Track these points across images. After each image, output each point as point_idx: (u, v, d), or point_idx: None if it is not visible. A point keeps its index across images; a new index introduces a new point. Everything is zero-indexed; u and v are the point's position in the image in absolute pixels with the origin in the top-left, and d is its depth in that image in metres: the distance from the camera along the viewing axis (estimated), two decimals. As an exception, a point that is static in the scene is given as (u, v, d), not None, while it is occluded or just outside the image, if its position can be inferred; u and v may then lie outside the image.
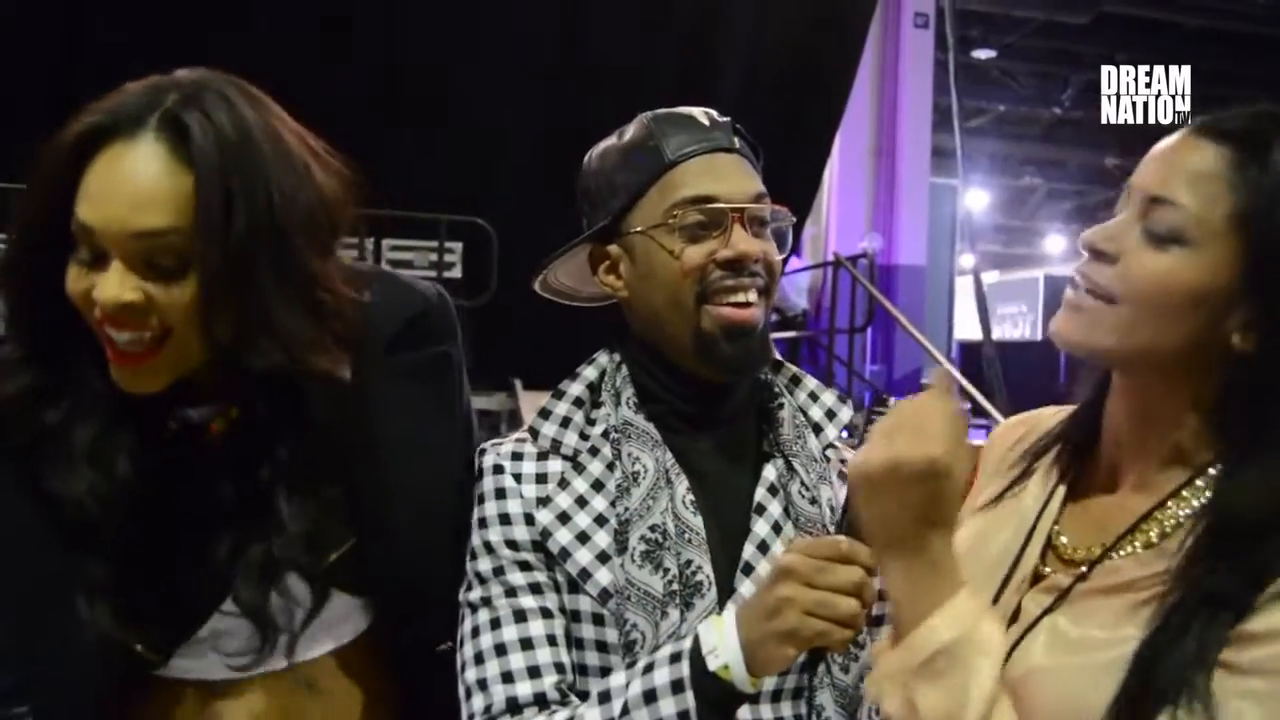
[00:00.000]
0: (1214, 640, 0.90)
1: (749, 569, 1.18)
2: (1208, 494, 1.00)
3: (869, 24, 8.85)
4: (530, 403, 5.99)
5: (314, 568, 1.20)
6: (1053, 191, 20.64)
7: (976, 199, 17.81)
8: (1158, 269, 0.99)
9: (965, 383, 7.36)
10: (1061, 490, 1.13)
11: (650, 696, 1.05)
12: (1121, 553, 1.03)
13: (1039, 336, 18.55)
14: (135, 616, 1.14)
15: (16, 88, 5.97)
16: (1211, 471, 1.01)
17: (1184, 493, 1.02)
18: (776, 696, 1.17)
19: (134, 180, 1.07)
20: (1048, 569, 1.09)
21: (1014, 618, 1.06)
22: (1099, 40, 12.67)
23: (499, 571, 1.21)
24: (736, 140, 1.25)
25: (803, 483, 1.21)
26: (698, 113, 1.27)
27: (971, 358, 11.82)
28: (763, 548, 1.19)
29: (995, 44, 12.99)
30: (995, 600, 1.08)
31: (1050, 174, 19.06)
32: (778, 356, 1.37)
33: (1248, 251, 0.97)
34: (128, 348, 1.09)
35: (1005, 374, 9.76)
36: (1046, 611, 1.04)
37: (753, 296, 1.20)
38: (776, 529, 1.20)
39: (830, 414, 1.29)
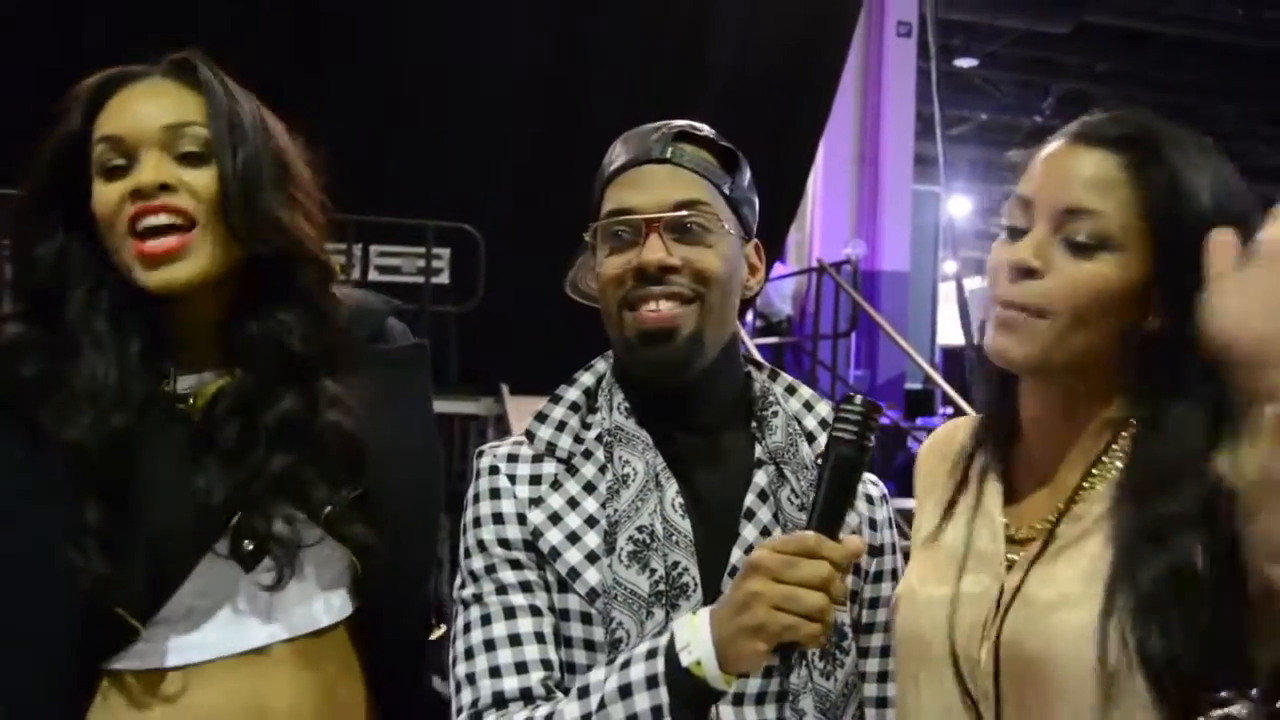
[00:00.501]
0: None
1: (735, 572, 1.18)
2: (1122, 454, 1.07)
3: (852, 33, 8.86)
4: (517, 407, 5.98)
5: (308, 511, 1.25)
6: (1034, 198, 20.74)
7: (959, 205, 17.85)
8: (1087, 276, 1.04)
9: (948, 387, 7.38)
10: (996, 485, 1.16)
11: (625, 691, 1.05)
12: (1065, 521, 1.08)
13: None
14: (125, 564, 1.16)
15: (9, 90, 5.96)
16: (1125, 435, 1.08)
17: (1105, 457, 1.08)
18: (760, 699, 1.18)
19: (155, 92, 1.24)
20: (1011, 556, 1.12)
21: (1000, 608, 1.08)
22: (1080, 50, 12.74)
23: (490, 569, 1.22)
24: (671, 149, 1.23)
25: (793, 489, 1.21)
26: (655, 126, 1.26)
27: (954, 363, 11.86)
28: (749, 552, 1.17)
29: (977, 53, 13.04)
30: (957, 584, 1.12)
31: (1031, 181, 19.15)
32: (771, 365, 1.37)
33: (1156, 244, 1.03)
34: (158, 242, 1.18)
35: (987, 379, 9.78)
36: (1016, 591, 1.07)
37: (664, 305, 1.19)
38: (765, 534, 1.20)
39: (824, 423, 1.28)
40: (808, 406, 1.31)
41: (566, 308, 1.42)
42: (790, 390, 1.33)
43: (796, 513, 1.20)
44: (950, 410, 10.36)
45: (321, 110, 1.41)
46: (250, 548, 1.23)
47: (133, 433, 1.18)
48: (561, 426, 1.28)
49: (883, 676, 1.27)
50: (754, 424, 1.27)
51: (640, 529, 1.18)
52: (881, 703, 1.26)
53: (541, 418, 1.29)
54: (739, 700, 1.17)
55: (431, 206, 6.27)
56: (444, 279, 6.52)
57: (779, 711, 1.18)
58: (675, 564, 1.17)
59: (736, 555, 1.19)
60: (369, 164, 5.74)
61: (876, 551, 1.27)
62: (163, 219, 1.19)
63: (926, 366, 8.08)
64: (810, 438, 1.28)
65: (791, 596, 0.98)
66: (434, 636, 1.39)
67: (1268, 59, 12.53)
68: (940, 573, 1.14)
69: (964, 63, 13.17)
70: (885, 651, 1.27)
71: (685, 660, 1.03)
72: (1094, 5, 11.14)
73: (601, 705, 1.07)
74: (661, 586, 1.16)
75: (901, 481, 8.35)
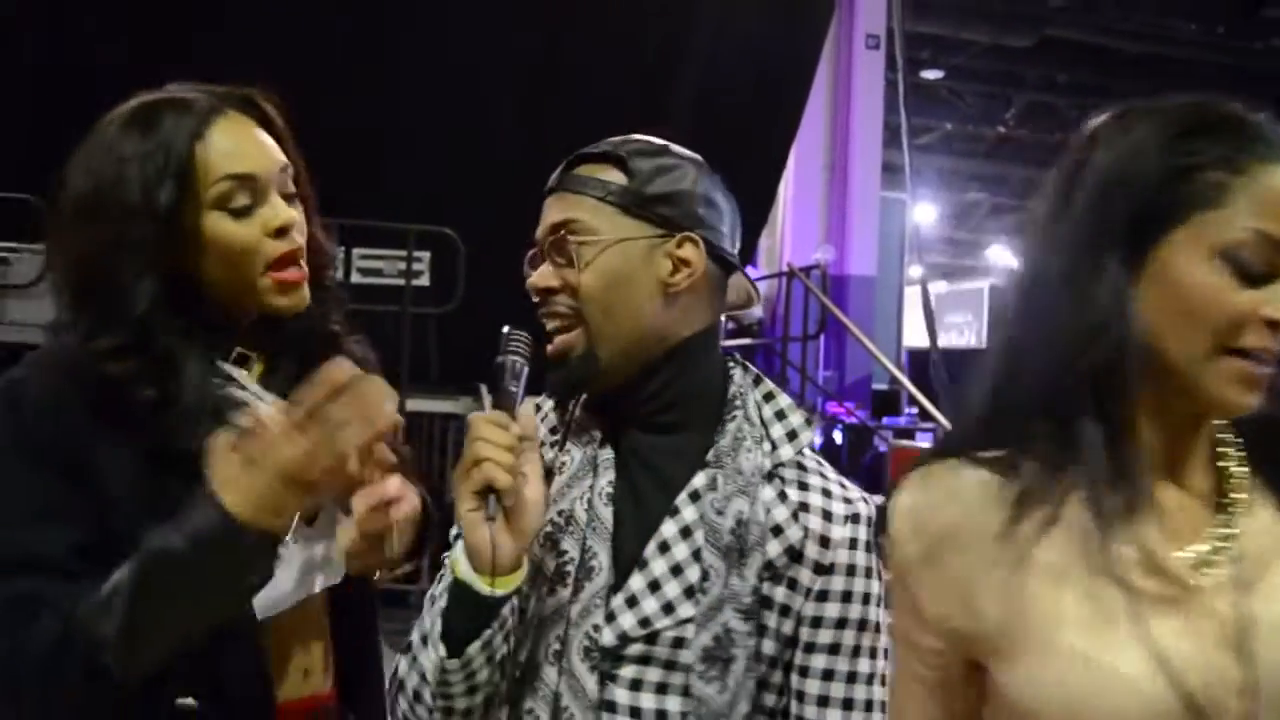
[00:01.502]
0: None
1: (644, 563, 1.19)
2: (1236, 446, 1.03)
3: (823, 45, 8.91)
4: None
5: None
6: (996, 206, 20.84)
7: (925, 213, 17.94)
8: None
9: (913, 388, 7.42)
10: (1142, 521, 0.99)
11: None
12: (1229, 531, 1.00)
13: (984, 343, 18.74)
14: None
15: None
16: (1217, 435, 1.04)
17: (1219, 462, 1.04)
18: (662, 689, 1.17)
19: (259, 135, 1.31)
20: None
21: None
22: (1042, 63, 12.83)
23: (456, 538, 1.26)
24: (560, 179, 1.26)
25: (718, 494, 1.19)
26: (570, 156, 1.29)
27: (919, 365, 11.92)
28: (663, 547, 1.19)
29: (943, 65, 13.11)
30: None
31: (994, 189, 19.26)
32: (758, 371, 1.34)
33: None
34: (293, 271, 1.30)
35: (951, 379, 9.84)
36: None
37: (552, 325, 1.24)
38: (685, 534, 1.19)
39: (792, 434, 1.26)
40: (780, 415, 1.28)
41: (543, 310, 1.43)
42: (768, 397, 1.30)
43: (714, 516, 1.18)
44: (915, 410, 10.42)
45: (307, 117, 1.42)
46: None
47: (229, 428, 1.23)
48: (542, 416, 1.31)
49: (823, 700, 1.20)
50: (718, 426, 1.25)
51: (560, 513, 1.22)
52: None
53: (536, 407, 1.31)
54: (636, 686, 1.17)
55: (413, 211, 6.28)
56: (425, 281, 6.52)
57: (679, 706, 1.16)
58: (589, 548, 1.20)
59: (649, 548, 1.19)
60: (353, 169, 5.73)
61: (824, 570, 1.20)
62: (296, 253, 1.30)
63: (893, 368, 8.13)
64: (774, 445, 1.25)
65: (486, 449, 1.11)
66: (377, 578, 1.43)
67: (1217, 71, 12.65)
68: (1109, 630, 0.96)
69: (930, 75, 13.25)
70: (828, 675, 1.20)
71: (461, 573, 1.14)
72: (1055, 20, 11.22)
73: (423, 642, 1.17)
74: (569, 567, 1.19)
75: (868, 479, 8.41)
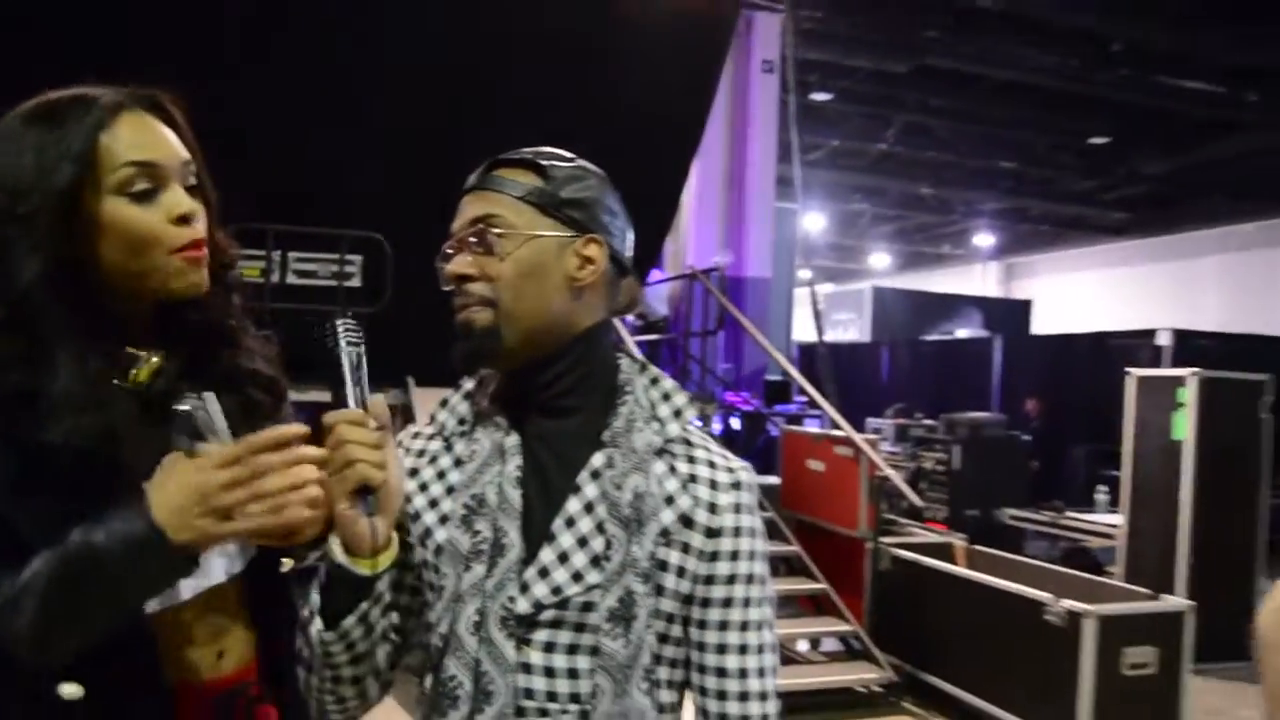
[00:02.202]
0: None
1: (552, 538, 1.21)
2: None
3: (722, 69, 8.98)
4: (421, 398, 5.96)
5: None
6: (877, 215, 21.15)
7: (813, 221, 18.16)
8: None
9: (801, 379, 7.56)
10: None
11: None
12: None
13: (867, 339, 19.03)
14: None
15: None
16: None
17: None
18: (572, 650, 1.20)
19: (164, 130, 1.27)
20: None
21: None
22: (918, 88, 13.02)
23: None
24: (480, 179, 1.28)
25: (617, 470, 1.23)
26: (488, 161, 1.31)
27: (808, 358, 12.11)
28: (569, 522, 1.22)
29: (831, 88, 13.22)
30: None
31: (876, 200, 19.52)
32: (641, 358, 1.37)
33: None
34: (194, 249, 1.26)
35: (836, 371, 10.02)
36: None
37: (465, 309, 1.25)
38: (589, 509, 1.22)
39: (677, 412, 1.30)
40: (665, 396, 1.31)
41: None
42: (654, 381, 1.33)
43: (613, 490, 1.21)
44: (804, 399, 10.59)
45: (247, 127, 1.44)
46: None
47: (104, 429, 1.19)
48: (451, 410, 1.33)
49: (720, 648, 1.24)
50: (611, 410, 1.28)
51: (473, 496, 1.23)
52: (720, 672, 1.24)
53: (444, 403, 1.34)
54: (550, 648, 1.20)
55: (345, 217, 6.23)
56: (356, 283, 6.47)
57: (588, 664, 1.19)
58: (501, 528, 1.21)
59: (556, 524, 1.22)
60: (289, 178, 5.68)
61: (713, 533, 1.23)
62: (196, 235, 1.27)
63: (784, 361, 8.23)
64: (662, 423, 1.28)
65: (356, 450, 1.12)
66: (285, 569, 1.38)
67: (1072, 100, 13.00)
68: None
69: (819, 96, 13.35)
70: (724, 625, 1.24)
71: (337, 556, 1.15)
72: (930, 50, 11.41)
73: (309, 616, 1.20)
74: (484, 546, 1.21)
75: (762, 460, 8.54)
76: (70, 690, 1.16)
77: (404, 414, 6.10)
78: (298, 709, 1.31)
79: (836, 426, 6.43)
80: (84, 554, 1.09)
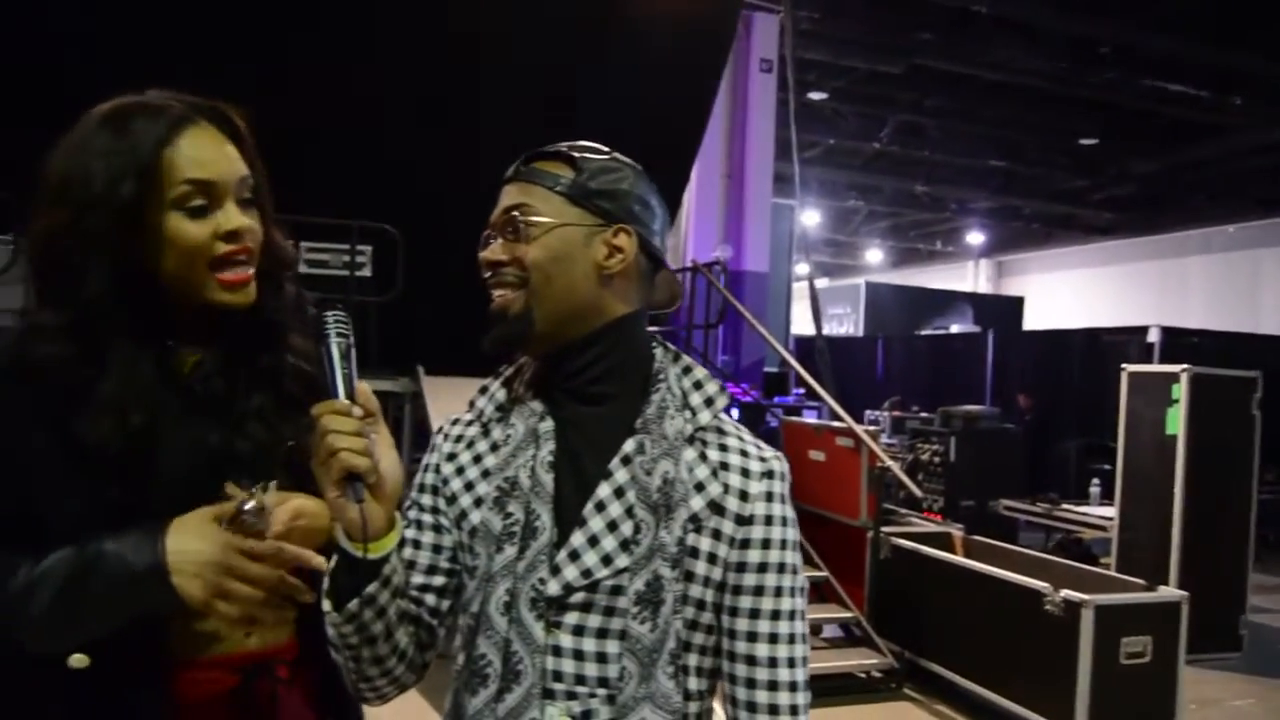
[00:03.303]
0: None
1: (583, 522, 1.20)
2: None
3: (722, 69, 8.93)
4: (431, 386, 5.90)
5: (271, 452, 1.33)
6: (872, 212, 21.13)
7: (810, 217, 18.14)
8: None
9: (801, 369, 7.50)
10: None
11: None
12: None
13: (860, 333, 19.00)
14: (147, 499, 1.23)
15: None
16: None
17: None
18: (602, 634, 1.18)
19: (219, 142, 1.29)
20: None
21: None
22: (912, 87, 12.99)
23: (408, 506, 1.30)
24: (515, 170, 1.29)
25: (647, 456, 1.21)
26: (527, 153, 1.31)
27: (806, 350, 12.06)
28: (599, 506, 1.20)
29: (827, 87, 13.21)
30: None
31: (870, 198, 19.50)
32: (674, 348, 1.35)
33: None
34: (236, 272, 1.28)
35: (833, 364, 9.97)
36: None
37: (497, 291, 1.26)
38: (619, 493, 1.20)
39: (709, 401, 1.29)
40: (697, 385, 1.30)
41: (475, 298, 1.41)
42: (686, 370, 1.32)
43: (644, 476, 1.20)
44: (802, 390, 10.53)
45: (262, 122, 1.39)
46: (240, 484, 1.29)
47: (143, 431, 1.23)
48: (490, 396, 1.32)
49: (751, 635, 1.22)
50: (644, 398, 1.27)
51: (506, 479, 1.23)
52: (750, 660, 1.22)
53: (483, 389, 1.34)
54: (579, 632, 1.18)
55: (356, 208, 6.19)
56: (367, 272, 6.44)
57: (617, 648, 1.17)
58: (533, 511, 1.21)
59: (587, 508, 1.21)
60: (301, 170, 5.60)
61: (744, 521, 1.22)
62: (244, 255, 1.29)
63: (784, 352, 8.20)
64: (693, 412, 1.27)
65: (339, 440, 1.09)
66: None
67: (1062, 101, 12.96)
68: None
69: (816, 96, 13.34)
70: (755, 613, 1.22)
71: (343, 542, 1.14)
72: (922, 51, 11.37)
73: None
74: (515, 528, 1.20)
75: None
76: (78, 659, 1.20)
77: (414, 401, 6.04)
78: (345, 691, 1.34)
79: (835, 418, 6.37)
80: (94, 563, 1.14)
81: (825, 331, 10.40)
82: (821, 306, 10.54)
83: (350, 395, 1.14)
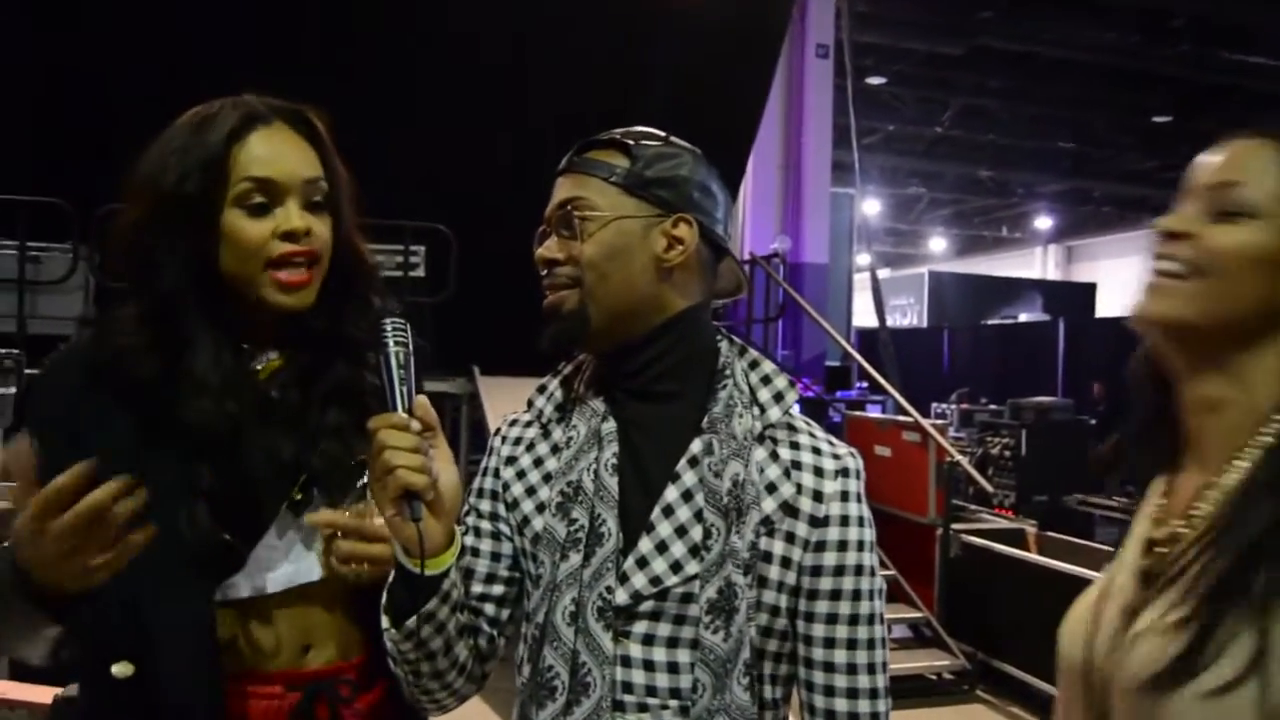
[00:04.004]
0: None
1: (650, 527, 1.17)
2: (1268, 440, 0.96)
3: (778, 56, 8.87)
4: (486, 387, 5.94)
5: (345, 471, 1.32)
6: (934, 200, 20.88)
7: (870, 206, 17.98)
8: (1231, 239, 0.97)
9: (864, 362, 7.42)
10: (1149, 498, 1.06)
11: None
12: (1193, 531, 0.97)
13: (924, 324, 18.78)
14: (224, 514, 1.24)
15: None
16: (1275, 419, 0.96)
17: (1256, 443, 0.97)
18: (672, 643, 1.15)
19: (291, 143, 1.30)
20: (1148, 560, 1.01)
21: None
22: (974, 69, 12.81)
23: (467, 511, 1.29)
24: (568, 162, 1.26)
25: (716, 456, 1.18)
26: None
27: (868, 343, 11.94)
28: (667, 511, 1.17)
29: (885, 72, 13.10)
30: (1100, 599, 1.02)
31: (932, 184, 19.28)
32: (740, 341, 1.31)
33: None
34: (292, 274, 1.27)
35: (897, 356, 9.86)
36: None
37: (551, 289, 1.23)
38: (686, 496, 1.17)
39: (778, 396, 1.24)
40: (765, 380, 1.26)
41: (530, 297, 1.40)
42: (753, 365, 1.28)
43: (712, 479, 1.16)
44: (865, 384, 10.43)
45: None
46: (301, 496, 1.30)
47: (235, 414, 1.25)
48: (549, 396, 1.30)
49: (829, 642, 1.18)
50: (710, 395, 1.23)
51: (569, 484, 1.20)
52: (828, 667, 1.18)
53: (541, 389, 1.31)
54: (649, 641, 1.15)
55: (408, 208, 6.24)
56: (420, 273, 6.47)
57: (688, 657, 1.14)
58: (598, 516, 1.17)
59: (655, 512, 1.17)
60: (351, 171, 5.67)
61: (819, 523, 1.18)
62: (301, 258, 1.28)
63: (846, 345, 8.12)
64: (762, 409, 1.23)
65: (396, 456, 1.07)
66: None
67: (1132, 77, 12.69)
68: (1096, 589, 1.04)
69: (874, 81, 13.22)
70: (832, 619, 1.18)
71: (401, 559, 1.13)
72: (984, 31, 11.21)
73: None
74: (580, 535, 1.17)
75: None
76: (120, 669, 1.19)
77: (470, 402, 6.08)
78: (417, 713, 1.34)
79: (901, 411, 6.29)
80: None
81: (888, 323, 10.29)
82: (884, 297, 10.43)
83: (409, 408, 1.11)
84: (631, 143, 1.23)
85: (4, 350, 3.75)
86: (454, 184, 6.62)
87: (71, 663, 1.26)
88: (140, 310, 1.25)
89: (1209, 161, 1.02)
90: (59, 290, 5.55)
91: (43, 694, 2.43)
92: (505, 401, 5.72)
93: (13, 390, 4.54)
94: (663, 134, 1.27)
